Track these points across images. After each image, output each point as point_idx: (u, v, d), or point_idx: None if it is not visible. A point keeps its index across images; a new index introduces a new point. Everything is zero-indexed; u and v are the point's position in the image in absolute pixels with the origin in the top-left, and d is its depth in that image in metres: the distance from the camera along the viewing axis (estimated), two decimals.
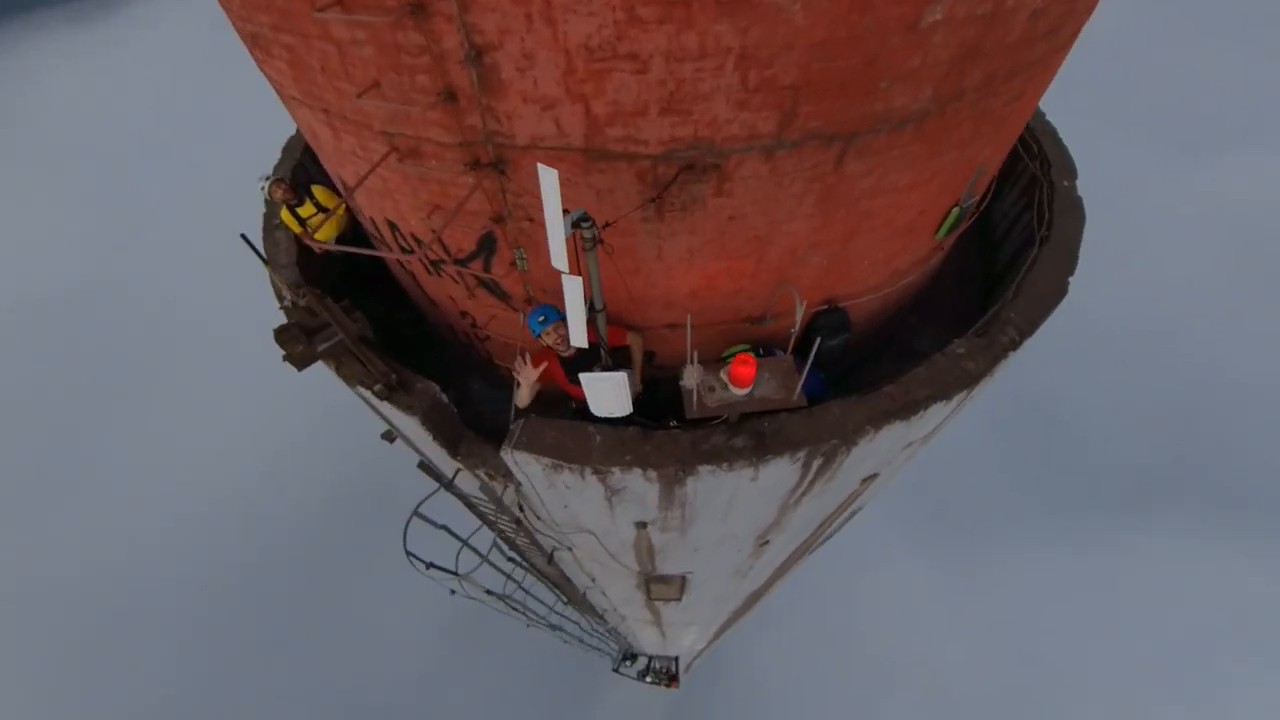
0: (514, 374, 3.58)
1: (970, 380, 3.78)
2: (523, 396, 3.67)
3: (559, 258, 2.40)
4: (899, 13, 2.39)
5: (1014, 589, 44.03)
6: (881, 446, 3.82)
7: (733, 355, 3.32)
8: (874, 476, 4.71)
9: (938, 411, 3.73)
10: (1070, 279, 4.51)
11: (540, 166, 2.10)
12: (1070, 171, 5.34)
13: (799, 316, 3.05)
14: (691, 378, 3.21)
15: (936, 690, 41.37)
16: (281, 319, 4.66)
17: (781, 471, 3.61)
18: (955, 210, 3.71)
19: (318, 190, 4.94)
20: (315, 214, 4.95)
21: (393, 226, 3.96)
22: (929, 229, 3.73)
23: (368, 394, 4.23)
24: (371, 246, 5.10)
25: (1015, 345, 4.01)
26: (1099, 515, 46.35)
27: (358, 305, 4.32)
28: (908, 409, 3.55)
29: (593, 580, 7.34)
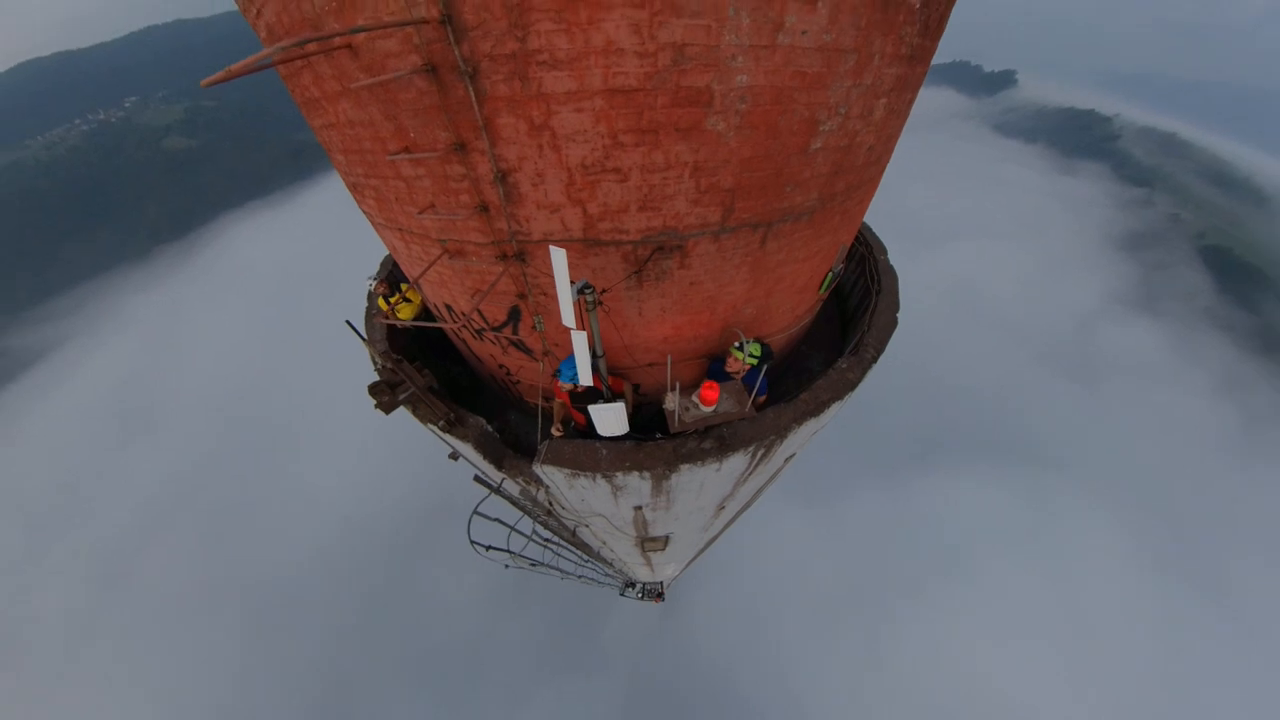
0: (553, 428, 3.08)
1: (852, 385, 3.49)
2: (557, 429, 3.18)
3: (568, 317, 1.97)
4: (796, 141, 2.18)
5: (854, 522, 44.99)
6: (800, 437, 3.45)
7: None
8: (793, 456, 4.31)
9: (835, 409, 3.40)
10: (898, 314, 4.37)
11: (552, 247, 1.71)
12: (883, 249, 5.30)
13: (747, 351, 2.69)
14: (672, 402, 2.78)
15: (808, 592, 41.36)
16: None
17: (737, 461, 3.17)
18: (830, 274, 3.50)
19: (404, 286, 4.43)
20: (398, 300, 4.41)
21: (448, 308, 3.47)
22: (815, 287, 3.50)
23: (434, 428, 3.61)
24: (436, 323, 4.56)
25: (875, 359, 3.77)
26: (900, 467, 48.51)
27: (429, 365, 3.76)
28: (817, 408, 3.20)
29: (603, 543, 6.56)
